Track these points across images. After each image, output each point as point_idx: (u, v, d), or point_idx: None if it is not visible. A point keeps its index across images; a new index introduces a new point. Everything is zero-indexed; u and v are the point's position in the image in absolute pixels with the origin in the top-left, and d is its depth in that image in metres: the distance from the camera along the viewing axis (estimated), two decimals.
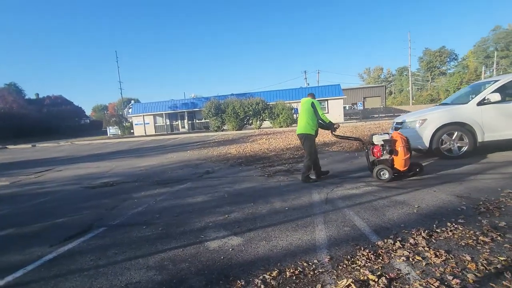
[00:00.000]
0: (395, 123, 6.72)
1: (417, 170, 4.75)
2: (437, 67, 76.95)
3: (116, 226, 3.60)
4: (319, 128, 5.22)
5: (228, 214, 3.68)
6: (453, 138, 5.69)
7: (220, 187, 5.28)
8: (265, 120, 20.88)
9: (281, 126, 19.93)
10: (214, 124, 20.94)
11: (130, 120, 32.65)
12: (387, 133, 4.84)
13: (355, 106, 43.30)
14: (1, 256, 2.93)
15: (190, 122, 29.24)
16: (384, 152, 4.65)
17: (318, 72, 35.87)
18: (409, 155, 4.50)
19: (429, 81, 77.21)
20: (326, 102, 26.12)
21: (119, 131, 33.33)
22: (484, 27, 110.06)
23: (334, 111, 25.99)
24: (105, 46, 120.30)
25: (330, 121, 5.12)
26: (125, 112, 45.31)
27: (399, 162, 4.52)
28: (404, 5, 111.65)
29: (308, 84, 40.08)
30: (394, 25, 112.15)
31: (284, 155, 8.54)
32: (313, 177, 5.19)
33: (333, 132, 5.18)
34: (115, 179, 7.18)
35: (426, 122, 5.84)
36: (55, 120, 43.29)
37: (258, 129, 20.18)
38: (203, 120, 29.25)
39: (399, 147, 4.47)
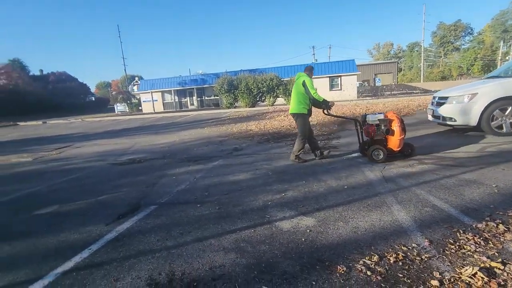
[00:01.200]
0: (437, 98, 6.31)
1: (409, 151, 4.62)
2: (451, 42, 73.72)
3: (166, 204, 3.41)
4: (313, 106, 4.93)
5: (283, 192, 3.47)
6: (506, 113, 5.31)
7: (258, 164, 5.05)
8: (278, 97, 20.29)
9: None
10: (226, 101, 20.43)
11: (138, 97, 32.18)
12: (381, 113, 4.61)
13: (365, 83, 42.13)
14: (57, 234, 2.77)
15: (199, 99, 28.67)
16: (379, 132, 4.47)
17: (330, 47, 34.47)
18: (403, 135, 4.34)
19: (441, 57, 74.36)
20: (339, 78, 25.27)
21: (127, 108, 33.02)
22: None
23: (348, 87, 25.20)
24: (107, 20, 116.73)
25: (324, 99, 4.77)
26: (129, 89, 44.74)
27: (394, 142, 4.37)
28: None
29: (316, 60, 38.69)
30: None
31: None
32: (316, 157, 5.05)
33: (326, 111, 4.89)
34: (140, 155, 7.01)
35: (476, 96, 5.44)
36: (61, 97, 42.83)
37: (272, 106, 19.67)
38: (212, 97, 28.70)
39: (395, 126, 4.30)
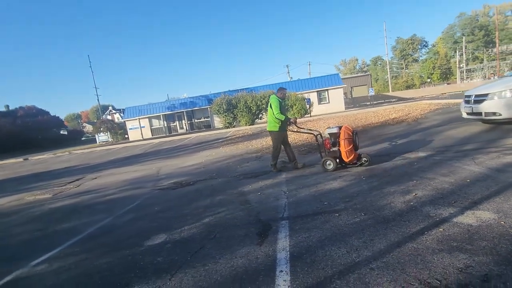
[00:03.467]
0: (473, 97, 6.67)
1: (365, 160, 4.95)
2: (410, 54, 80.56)
3: (297, 217, 3.14)
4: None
5: (409, 193, 3.35)
6: None
7: (333, 173, 4.88)
8: None
9: (296, 118, 19.56)
10: (225, 121, 20.20)
11: (122, 125, 30.93)
12: (337, 127, 5.06)
13: (343, 95, 44.10)
14: (229, 262, 2.41)
15: (189, 122, 28.15)
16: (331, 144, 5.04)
17: (309, 64, 36.07)
18: (350, 147, 4.71)
19: (403, 68, 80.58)
20: (326, 92, 26.25)
21: (110, 138, 31.52)
22: (450, 14, 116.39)
23: (334, 100, 26.19)
24: (75, 50, 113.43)
25: (285, 117, 5.47)
26: (103, 119, 43.02)
27: (343, 154, 4.80)
28: None
29: (291, 78, 40.05)
30: (367, 17, 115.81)
31: None
32: (292, 167, 5.76)
33: (288, 127, 5.59)
34: (181, 178, 6.55)
35: None
36: (33, 132, 40.09)
37: None
38: (202, 119, 28.37)
39: (342, 140, 4.75)
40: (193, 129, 28.32)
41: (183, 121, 28.49)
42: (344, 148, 4.71)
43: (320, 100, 26.51)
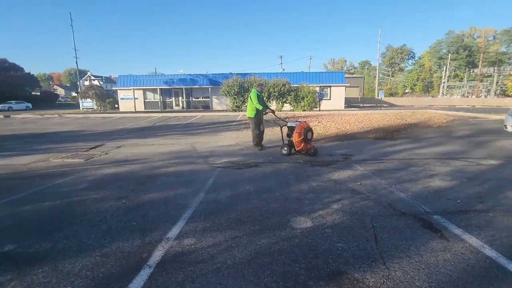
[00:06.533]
0: None
1: (311, 151, 6.15)
2: (397, 63, 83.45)
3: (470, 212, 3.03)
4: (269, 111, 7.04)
5: None
6: None
7: (435, 161, 4.84)
8: (286, 103, 20.21)
9: (304, 110, 19.50)
10: (234, 104, 19.53)
11: (110, 93, 28.92)
12: (297, 122, 6.32)
13: None
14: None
15: (186, 100, 26.96)
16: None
17: (310, 58, 36.01)
18: (300, 139, 5.93)
19: (389, 76, 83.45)
20: (329, 88, 26.35)
21: (96, 106, 29.43)
22: (440, 30, 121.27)
23: (336, 97, 26.40)
24: (54, 7, 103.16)
25: (262, 108, 6.83)
26: (80, 84, 40.01)
27: (295, 144, 6.08)
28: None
29: (284, 69, 39.63)
30: (360, 19, 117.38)
31: (389, 134, 8.31)
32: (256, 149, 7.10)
33: (263, 114, 6.98)
34: (232, 158, 6.21)
35: None
36: (3, 87, 36.21)
37: (280, 111, 19.51)
38: (200, 99, 27.33)
39: (295, 133, 5.99)
40: (189, 107, 27.22)
41: (180, 98, 27.23)
42: (294, 139, 6.01)
43: (321, 96, 26.55)
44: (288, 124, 6.42)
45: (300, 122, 6.23)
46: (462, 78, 67.89)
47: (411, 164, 5.33)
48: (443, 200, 3.42)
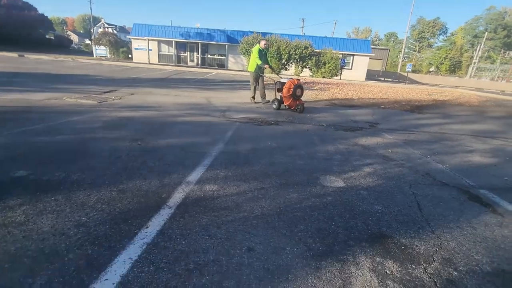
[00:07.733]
0: None
1: (299, 107, 6.36)
2: (426, 38, 77.56)
3: None
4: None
5: None
6: None
7: (470, 137, 4.46)
8: (306, 68, 19.17)
9: (324, 77, 18.49)
10: None
11: (125, 42, 28.05)
12: (287, 79, 6.49)
13: None
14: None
15: (202, 56, 25.94)
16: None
17: (335, 22, 33.82)
18: (288, 95, 6.19)
19: (415, 51, 78.18)
20: (352, 57, 24.81)
21: (109, 54, 28.78)
22: (480, 6, 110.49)
23: (358, 67, 24.95)
24: None
25: (261, 63, 6.99)
26: (94, 31, 38.77)
27: (284, 99, 6.40)
28: None
29: (304, 33, 37.24)
30: None
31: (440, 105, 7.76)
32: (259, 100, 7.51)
33: (262, 73, 7.28)
34: (250, 115, 5.88)
35: None
36: (17, 28, 35.40)
37: (298, 76, 18.61)
38: (216, 56, 26.27)
39: (284, 88, 6.25)
40: (204, 64, 26.31)
41: (195, 53, 26.20)
42: (283, 94, 6.30)
43: (344, 63, 25.13)
44: (281, 80, 6.57)
45: (291, 78, 6.44)
46: (494, 60, 63.23)
47: (444, 138, 4.93)
48: (487, 176, 3.09)
